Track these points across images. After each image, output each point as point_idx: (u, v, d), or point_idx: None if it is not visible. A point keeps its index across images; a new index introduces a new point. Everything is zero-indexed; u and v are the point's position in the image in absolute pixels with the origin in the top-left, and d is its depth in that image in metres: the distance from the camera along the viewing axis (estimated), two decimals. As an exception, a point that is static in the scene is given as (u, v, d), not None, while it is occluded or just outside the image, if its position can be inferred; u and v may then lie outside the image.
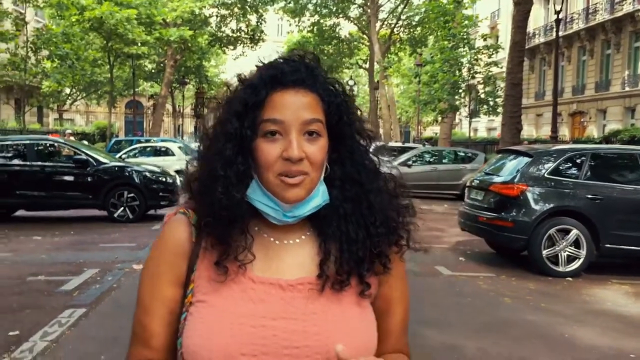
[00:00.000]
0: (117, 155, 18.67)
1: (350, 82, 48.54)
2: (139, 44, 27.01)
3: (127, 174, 11.93)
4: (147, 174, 12.07)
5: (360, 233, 1.11)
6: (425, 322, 5.56)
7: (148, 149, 21.17)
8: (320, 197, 1.11)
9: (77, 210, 12.18)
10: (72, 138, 22.07)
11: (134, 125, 36.11)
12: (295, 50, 1.18)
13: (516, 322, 5.70)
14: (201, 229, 1.11)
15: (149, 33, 27.33)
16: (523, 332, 5.40)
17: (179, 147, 21.19)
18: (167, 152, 20.45)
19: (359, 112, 1.18)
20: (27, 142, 12.10)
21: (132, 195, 11.68)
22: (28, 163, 11.59)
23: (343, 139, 1.13)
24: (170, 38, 29.29)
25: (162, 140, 24.35)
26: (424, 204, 16.66)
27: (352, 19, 41.41)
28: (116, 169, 12.03)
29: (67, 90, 34.26)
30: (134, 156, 19.36)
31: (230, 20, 39.44)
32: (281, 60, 1.13)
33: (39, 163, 11.66)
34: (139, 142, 23.39)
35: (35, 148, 11.93)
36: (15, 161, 11.68)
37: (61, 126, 38.50)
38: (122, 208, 11.66)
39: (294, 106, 1.07)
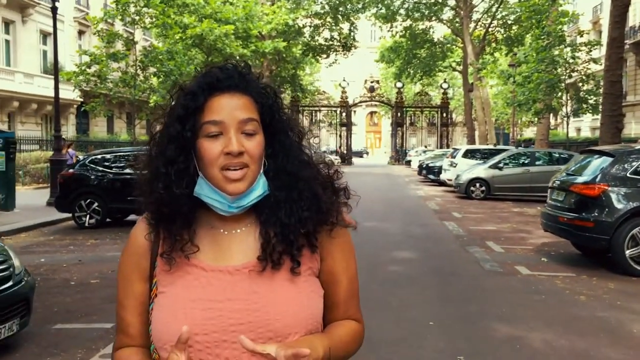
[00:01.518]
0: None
1: (445, 85, 48.20)
2: (237, 57, 28.40)
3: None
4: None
5: (292, 218, 1.24)
6: (494, 316, 5.82)
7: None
8: (260, 188, 1.24)
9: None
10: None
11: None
12: (229, 60, 1.31)
13: (585, 318, 5.82)
14: (155, 227, 1.27)
15: (246, 46, 28.67)
16: (590, 327, 5.53)
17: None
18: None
19: (288, 111, 1.34)
20: (137, 152, 13.30)
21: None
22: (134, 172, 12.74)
23: (276, 135, 1.27)
24: (266, 50, 30.56)
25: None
26: (515, 207, 16.52)
27: (444, 21, 41.15)
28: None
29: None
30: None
31: (323, 30, 40.44)
32: (216, 69, 1.26)
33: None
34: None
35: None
36: (127, 170, 12.90)
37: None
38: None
39: (230, 107, 1.20)
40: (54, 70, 16.41)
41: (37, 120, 29.21)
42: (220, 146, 1.19)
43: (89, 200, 12.42)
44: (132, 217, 13.43)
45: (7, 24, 27.50)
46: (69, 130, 30.90)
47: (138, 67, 21.33)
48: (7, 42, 27.63)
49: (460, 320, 5.74)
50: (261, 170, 1.24)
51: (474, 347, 4.95)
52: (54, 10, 15.63)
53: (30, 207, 14.71)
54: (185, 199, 1.22)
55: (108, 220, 12.84)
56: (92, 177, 12.63)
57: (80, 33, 33.69)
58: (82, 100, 27.04)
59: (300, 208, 1.25)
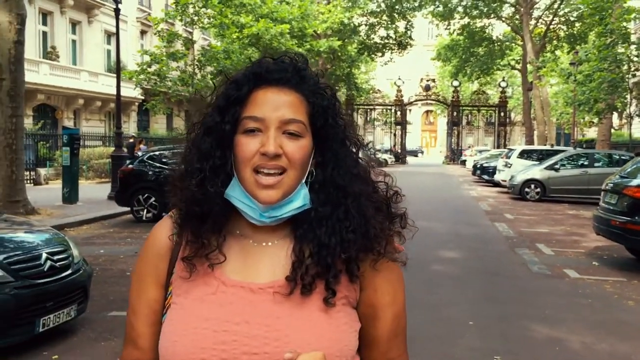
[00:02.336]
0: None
1: (503, 84, 47.25)
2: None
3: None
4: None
5: (333, 238, 1.07)
6: (535, 318, 5.81)
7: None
8: (300, 200, 1.08)
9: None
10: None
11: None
12: (288, 54, 1.15)
13: (631, 323, 5.73)
14: (181, 228, 1.12)
15: (301, 45, 28.99)
16: (636, 332, 5.45)
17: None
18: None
19: (347, 118, 1.16)
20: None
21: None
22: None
23: (329, 142, 1.10)
24: (320, 49, 30.80)
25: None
26: (570, 209, 16.14)
27: (503, 18, 40.34)
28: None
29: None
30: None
31: (379, 28, 40.37)
32: (270, 59, 1.12)
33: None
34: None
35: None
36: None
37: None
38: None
39: (275, 104, 1.06)
40: (116, 69, 17.13)
41: (101, 117, 30.43)
42: (257, 144, 1.05)
43: (146, 195, 12.93)
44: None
45: (74, 24, 28.76)
46: (130, 127, 32.06)
47: (196, 66, 21.95)
48: (74, 42, 28.90)
49: (500, 321, 5.75)
50: (303, 180, 1.09)
51: (510, 347, 4.97)
52: (116, 11, 16.31)
53: (92, 200, 15.41)
54: (219, 199, 1.08)
55: (164, 214, 13.25)
56: (150, 172, 13.15)
57: (143, 33, 34.84)
58: (143, 98, 28.02)
59: (345, 228, 1.08)
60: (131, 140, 21.18)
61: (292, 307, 1.05)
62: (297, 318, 1.04)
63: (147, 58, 22.09)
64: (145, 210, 12.93)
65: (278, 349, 1.01)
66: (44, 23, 26.77)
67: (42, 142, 22.71)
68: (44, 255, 4.88)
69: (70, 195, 14.41)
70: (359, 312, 1.12)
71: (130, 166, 13.61)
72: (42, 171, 21.02)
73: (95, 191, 17.67)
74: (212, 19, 23.17)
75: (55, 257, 4.99)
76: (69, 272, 5.05)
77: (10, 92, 11.68)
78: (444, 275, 7.79)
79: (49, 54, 26.45)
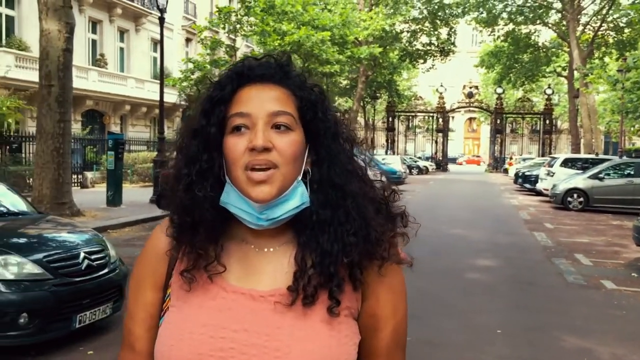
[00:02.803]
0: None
1: (548, 91, 46.36)
2: (334, 63, 28.94)
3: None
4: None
5: (335, 245, 1.03)
6: (566, 328, 5.74)
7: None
8: (298, 198, 1.03)
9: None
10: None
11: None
12: (271, 53, 1.13)
13: (666, 336, 5.59)
14: (178, 239, 1.09)
15: (342, 52, 29.14)
16: (669, 345, 5.32)
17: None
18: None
19: (339, 114, 1.13)
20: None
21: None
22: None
23: (321, 139, 1.07)
24: (361, 56, 30.88)
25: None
26: (614, 219, 15.76)
27: (549, 24, 39.62)
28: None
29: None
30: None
31: (421, 35, 40.22)
32: (251, 59, 1.10)
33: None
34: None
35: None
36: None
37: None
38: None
39: (261, 99, 1.03)
40: (160, 76, 17.59)
41: (146, 122, 31.21)
42: (245, 142, 1.01)
43: (186, 199, 13.22)
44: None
45: (122, 32, 29.64)
46: (174, 132, 32.75)
47: (237, 73, 22.37)
48: (122, 49, 29.78)
49: (530, 330, 5.70)
50: (299, 178, 1.04)
51: (538, 356, 4.93)
52: (161, 20, 16.77)
53: (135, 203, 15.83)
54: (208, 204, 1.03)
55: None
56: (190, 177, 13.43)
57: (188, 40, 35.61)
58: (187, 104, 28.64)
59: (346, 232, 1.03)
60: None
61: (294, 318, 1.01)
62: (298, 329, 1.00)
63: (190, 65, 22.62)
64: (185, 214, 13.21)
65: None
66: (94, 31, 27.69)
67: (89, 146, 23.45)
68: (82, 255, 5.11)
69: (114, 198, 14.84)
70: (360, 323, 1.08)
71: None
72: (89, 174, 21.69)
73: (138, 194, 18.14)
74: (253, 27, 23.54)
75: (93, 257, 5.21)
76: (106, 271, 5.26)
77: (58, 98, 12.14)
78: (478, 284, 7.75)
79: (98, 61, 27.34)
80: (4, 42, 21.87)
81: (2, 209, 6.15)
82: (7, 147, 18.24)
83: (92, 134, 25.04)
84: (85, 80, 24.52)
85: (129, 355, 1.13)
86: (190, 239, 1.05)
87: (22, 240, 5.48)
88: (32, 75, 18.30)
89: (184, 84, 21.77)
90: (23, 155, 18.82)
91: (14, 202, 6.50)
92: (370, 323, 1.08)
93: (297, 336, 1.00)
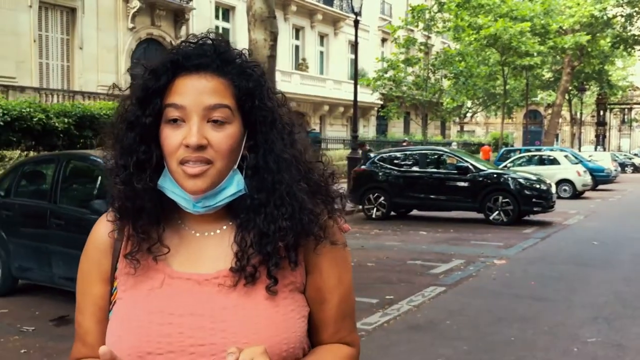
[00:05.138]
0: (503, 164, 19.77)
1: None
2: (534, 55, 27.51)
3: (502, 180, 12.90)
4: (522, 180, 12.81)
5: (272, 226, 1.04)
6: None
7: (534, 157, 21.62)
8: (234, 186, 1.05)
9: (458, 212, 13.66)
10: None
11: (525, 135, 36.70)
12: (210, 32, 1.09)
13: None
14: (120, 223, 1.09)
15: (543, 43, 27.56)
16: None
17: (565, 156, 21.04)
18: (552, 161, 20.55)
19: (280, 97, 1.11)
20: (421, 152, 14.35)
21: (506, 200, 12.58)
22: (421, 170, 13.66)
23: (258, 126, 1.06)
24: (565, 45, 28.89)
25: (550, 150, 24.39)
26: None
27: None
28: (494, 175, 13.11)
29: (469, 104, 37.06)
30: (520, 165, 20.09)
31: (638, 19, 36.28)
32: (187, 44, 1.07)
33: (429, 170, 13.63)
34: (528, 151, 23.97)
35: (427, 157, 14.01)
36: (413, 168, 13.89)
37: (460, 138, 41.86)
38: (497, 212, 12.66)
39: (196, 91, 1.01)
40: (354, 77, 18.41)
41: (343, 122, 32.64)
42: (180, 136, 1.00)
43: (376, 195, 13.71)
44: (414, 212, 14.37)
45: (322, 37, 31.41)
46: (369, 131, 33.81)
47: (429, 70, 22.40)
48: (321, 53, 31.56)
49: None
50: (235, 166, 1.05)
51: None
52: (356, 23, 17.53)
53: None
54: (149, 194, 1.04)
55: (393, 213, 13.96)
56: (380, 173, 13.90)
57: (383, 41, 36.44)
58: (382, 103, 29.39)
59: (281, 215, 1.04)
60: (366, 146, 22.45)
61: (238, 298, 1.03)
62: (242, 308, 1.02)
63: (384, 65, 23.20)
64: (375, 209, 13.70)
65: (225, 340, 0.99)
66: (297, 37, 29.73)
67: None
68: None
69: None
70: (307, 296, 1.10)
71: (363, 167, 14.54)
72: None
73: (333, 190, 19.07)
74: (446, 23, 23.38)
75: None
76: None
77: (263, 101, 13.36)
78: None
79: (300, 65, 29.31)
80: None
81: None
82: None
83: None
84: (289, 83, 26.44)
85: (81, 348, 1.13)
86: (133, 223, 1.06)
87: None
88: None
89: (378, 83, 22.38)
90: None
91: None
92: (316, 295, 1.10)
93: (241, 315, 1.01)
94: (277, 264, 1.04)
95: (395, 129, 37.56)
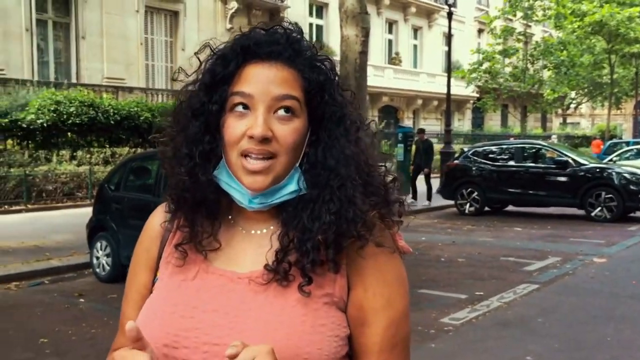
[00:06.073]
0: (609, 158, 18.73)
1: None
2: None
3: (606, 174, 12.27)
4: (628, 175, 12.12)
5: (317, 222, 0.96)
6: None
7: (644, 151, 20.28)
8: (294, 184, 0.99)
9: (557, 207, 13.14)
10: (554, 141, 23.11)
11: (635, 126, 34.38)
12: (282, 24, 1.03)
13: None
14: (174, 214, 1.05)
15: (655, 28, 25.75)
16: None
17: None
18: (664, 155, 19.20)
19: (349, 93, 1.04)
20: (517, 145, 13.92)
21: (610, 195, 11.96)
22: (517, 164, 13.26)
23: (325, 122, 1.00)
24: (680, 30, 26.83)
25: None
26: None
27: None
28: (596, 170, 12.49)
29: (573, 94, 35.33)
30: (627, 158, 18.92)
31: None
32: (260, 30, 1.01)
33: (526, 164, 13.20)
34: (637, 143, 22.51)
35: (523, 151, 13.57)
36: (508, 162, 13.51)
37: (563, 130, 39.93)
38: (599, 208, 12.06)
39: (266, 80, 0.96)
40: (447, 69, 18.12)
41: (437, 115, 32.13)
42: (244, 126, 0.95)
43: (469, 190, 13.47)
44: (509, 207, 13.98)
45: (415, 30, 31.08)
46: (465, 124, 33.07)
47: (528, 61, 21.60)
48: (415, 46, 31.24)
49: None
50: (297, 163, 0.99)
51: None
52: (449, 15, 17.27)
53: (422, 193, 16.60)
54: (212, 187, 1.00)
55: (486, 209, 13.66)
56: (474, 168, 13.63)
57: (480, 31, 35.46)
58: (477, 96, 28.68)
59: (327, 210, 0.96)
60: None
61: (266, 299, 0.95)
62: (266, 312, 0.94)
63: (480, 57, 22.63)
64: (468, 204, 13.47)
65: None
66: (390, 31, 29.62)
67: (384, 140, 25.22)
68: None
69: (402, 188, 15.76)
70: (348, 315, 0.98)
71: (456, 161, 14.32)
72: (383, 166, 23.34)
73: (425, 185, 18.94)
74: (546, 11, 22.42)
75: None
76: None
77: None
78: None
79: (393, 59, 29.18)
80: (314, 49, 24.89)
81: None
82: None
83: (387, 128, 26.85)
84: (382, 78, 26.45)
85: (120, 337, 1.09)
86: (189, 214, 1.02)
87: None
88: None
89: (473, 75, 21.87)
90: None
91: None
92: (357, 315, 0.97)
93: (263, 319, 0.94)
94: (314, 262, 0.95)
95: (492, 122, 36.44)
